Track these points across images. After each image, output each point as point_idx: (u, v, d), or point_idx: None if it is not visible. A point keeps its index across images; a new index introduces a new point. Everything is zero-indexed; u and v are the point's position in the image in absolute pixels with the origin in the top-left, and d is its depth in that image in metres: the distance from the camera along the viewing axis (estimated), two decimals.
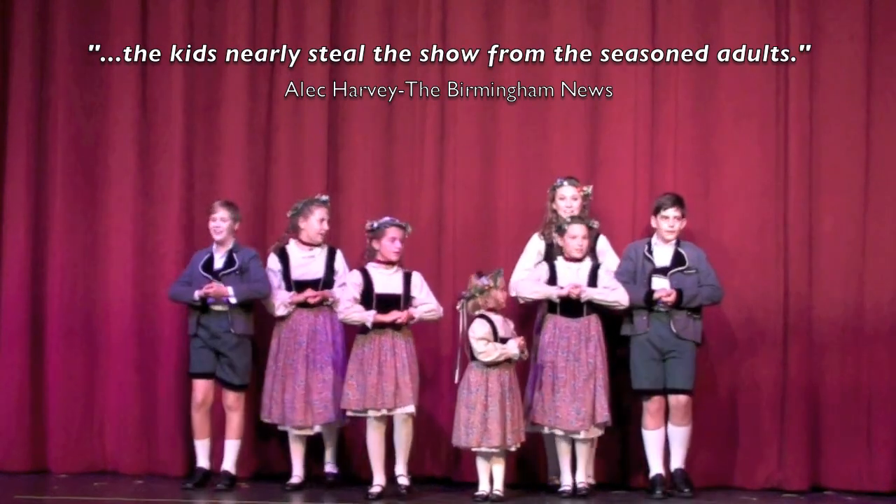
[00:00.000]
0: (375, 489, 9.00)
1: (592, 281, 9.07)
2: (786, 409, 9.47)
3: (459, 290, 9.54)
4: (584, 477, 9.09)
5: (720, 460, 9.55)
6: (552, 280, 9.12)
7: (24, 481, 9.65)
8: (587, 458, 9.10)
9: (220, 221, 9.34)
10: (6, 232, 10.04)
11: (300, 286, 9.34)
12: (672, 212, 9.11)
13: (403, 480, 9.00)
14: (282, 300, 9.34)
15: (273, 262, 9.42)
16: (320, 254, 9.41)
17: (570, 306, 9.05)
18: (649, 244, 9.18)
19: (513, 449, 8.90)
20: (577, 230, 9.09)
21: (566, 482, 9.09)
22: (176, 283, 9.47)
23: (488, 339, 8.85)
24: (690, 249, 9.17)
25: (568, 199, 9.27)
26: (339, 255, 9.41)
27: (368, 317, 8.98)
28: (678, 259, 9.12)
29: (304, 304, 9.31)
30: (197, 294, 9.23)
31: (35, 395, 9.97)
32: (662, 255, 9.14)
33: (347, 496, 9.15)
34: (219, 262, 9.36)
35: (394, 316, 8.97)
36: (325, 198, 9.47)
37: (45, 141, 10.06)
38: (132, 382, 9.96)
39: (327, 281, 9.32)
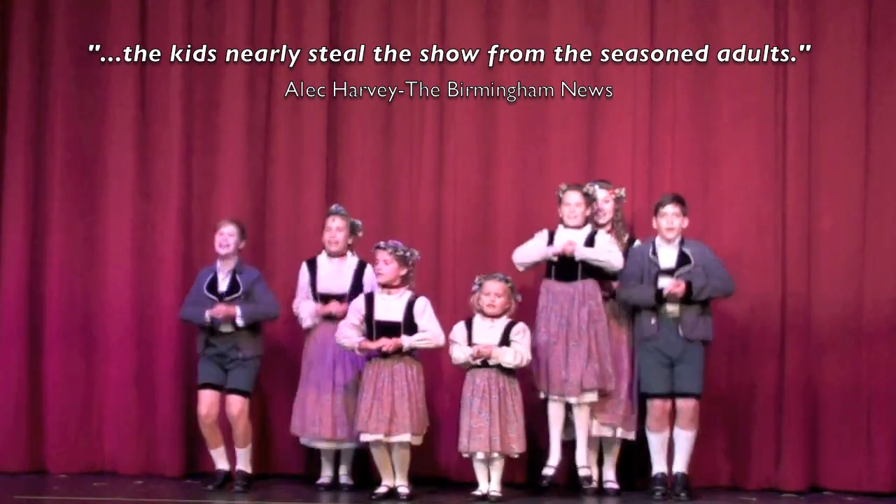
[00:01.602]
0: (382, 489, 9.01)
1: (590, 245, 9.03)
2: (784, 409, 9.48)
3: (458, 291, 9.60)
4: (584, 460, 9.06)
5: (719, 460, 9.55)
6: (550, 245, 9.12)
7: (23, 482, 9.63)
8: (586, 428, 9.06)
9: (228, 236, 9.28)
10: (5, 232, 10.02)
11: (325, 298, 9.31)
12: (670, 208, 9.04)
13: (404, 490, 8.99)
14: (308, 312, 9.32)
15: (303, 275, 9.41)
16: (348, 268, 9.38)
17: (565, 270, 9.03)
18: (654, 245, 9.10)
19: (479, 456, 8.81)
20: (573, 198, 9.07)
21: (554, 460, 9.05)
22: (186, 304, 9.40)
23: (457, 342, 8.91)
24: (695, 247, 9.08)
25: (600, 202, 9.22)
26: (368, 270, 9.31)
27: (355, 344, 8.94)
28: (683, 259, 9.03)
29: (330, 317, 9.27)
30: (207, 315, 9.18)
31: (33, 395, 9.95)
32: (667, 255, 9.06)
33: (353, 497, 9.18)
34: (223, 285, 9.29)
35: (379, 343, 8.87)
36: (332, 207, 9.46)
37: (44, 141, 10.04)
38: (130, 383, 9.95)
39: (353, 295, 9.22)
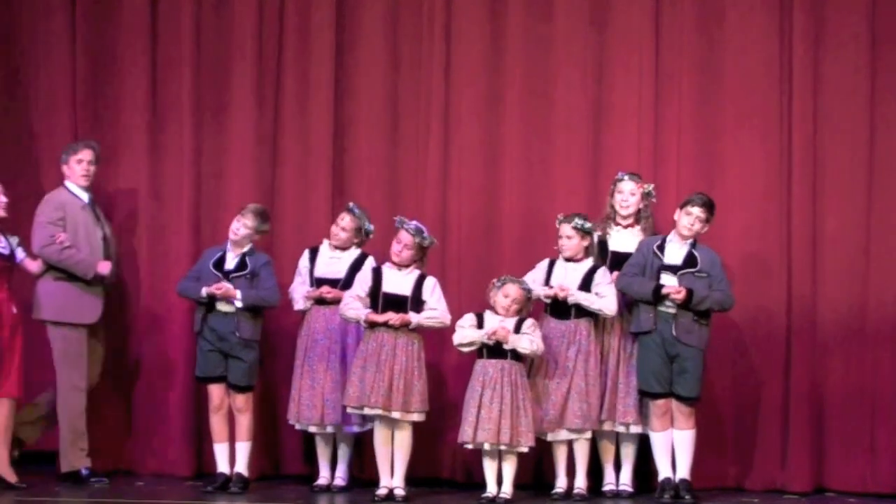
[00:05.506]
0: (382, 491, 8.97)
1: (587, 282, 9.04)
2: (789, 411, 9.48)
3: (463, 291, 9.62)
4: (582, 481, 9.07)
5: (723, 462, 9.54)
6: (548, 279, 9.12)
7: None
8: (585, 462, 9.07)
9: (244, 228, 9.27)
10: None
11: (320, 283, 9.35)
12: (697, 210, 8.96)
13: (400, 492, 8.94)
14: (301, 294, 9.36)
15: (303, 260, 9.45)
16: (348, 257, 9.40)
17: (559, 307, 9.05)
18: (663, 240, 9.05)
19: (486, 447, 8.78)
20: (565, 230, 9.08)
21: (559, 485, 9.08)
22: (184, 278, 9.43)
23: (464, 327, 8.88)
24: (705, 252, 9.00)
25: (625, 193, 9.20)
26: (369, 261, 9.33)
27: (362, 314, 8.97)
28: (690, 259, 8.97)
29: (321, 302, 9.30)
30: (204, 291, 9.20)
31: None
32: (675, 253, 9.00)
33: (355, 497, 9.15)
34: (230, 263, 9.31)
35: (386, 317, 8.91)
36: (349, 204, 9.49)
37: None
38: (139, 384, 9.93)
39: (348, 282, 9.24)
